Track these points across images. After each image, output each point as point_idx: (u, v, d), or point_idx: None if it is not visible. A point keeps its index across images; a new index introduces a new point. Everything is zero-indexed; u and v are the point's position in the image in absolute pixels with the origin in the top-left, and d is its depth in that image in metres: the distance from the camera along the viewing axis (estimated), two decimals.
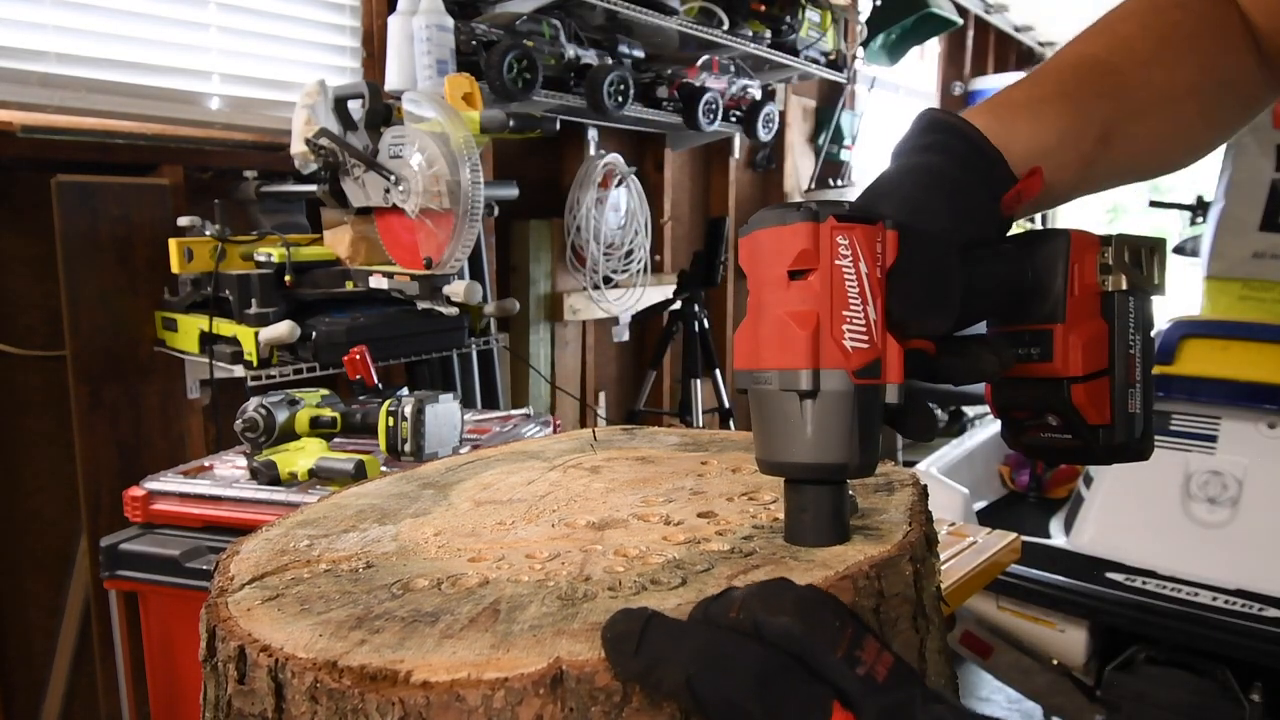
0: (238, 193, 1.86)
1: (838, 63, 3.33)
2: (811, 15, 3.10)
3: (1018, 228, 0.57)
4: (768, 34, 2.96)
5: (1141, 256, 0.55)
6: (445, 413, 1.34)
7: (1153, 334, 0.56)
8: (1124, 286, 0.54)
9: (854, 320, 0.45)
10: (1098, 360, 0.54)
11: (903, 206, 0.49)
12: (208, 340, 1.67)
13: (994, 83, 5.38)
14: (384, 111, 1.72)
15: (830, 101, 4.06)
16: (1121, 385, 0.54)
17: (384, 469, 1.31)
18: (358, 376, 1.45)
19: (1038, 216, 4.32)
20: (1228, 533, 2.23)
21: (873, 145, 4.44)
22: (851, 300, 0.45)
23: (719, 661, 0.35)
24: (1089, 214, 9.46)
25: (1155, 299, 0.56)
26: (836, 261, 0.45)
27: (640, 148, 3.17)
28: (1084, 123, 0.57)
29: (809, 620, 0.35)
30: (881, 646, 0.35)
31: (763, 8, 2.95)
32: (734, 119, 2.96)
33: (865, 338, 0.45)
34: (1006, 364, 0.54)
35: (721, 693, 0.35)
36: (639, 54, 2.52)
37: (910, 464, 3.29)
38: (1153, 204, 3.31)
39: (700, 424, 2.95)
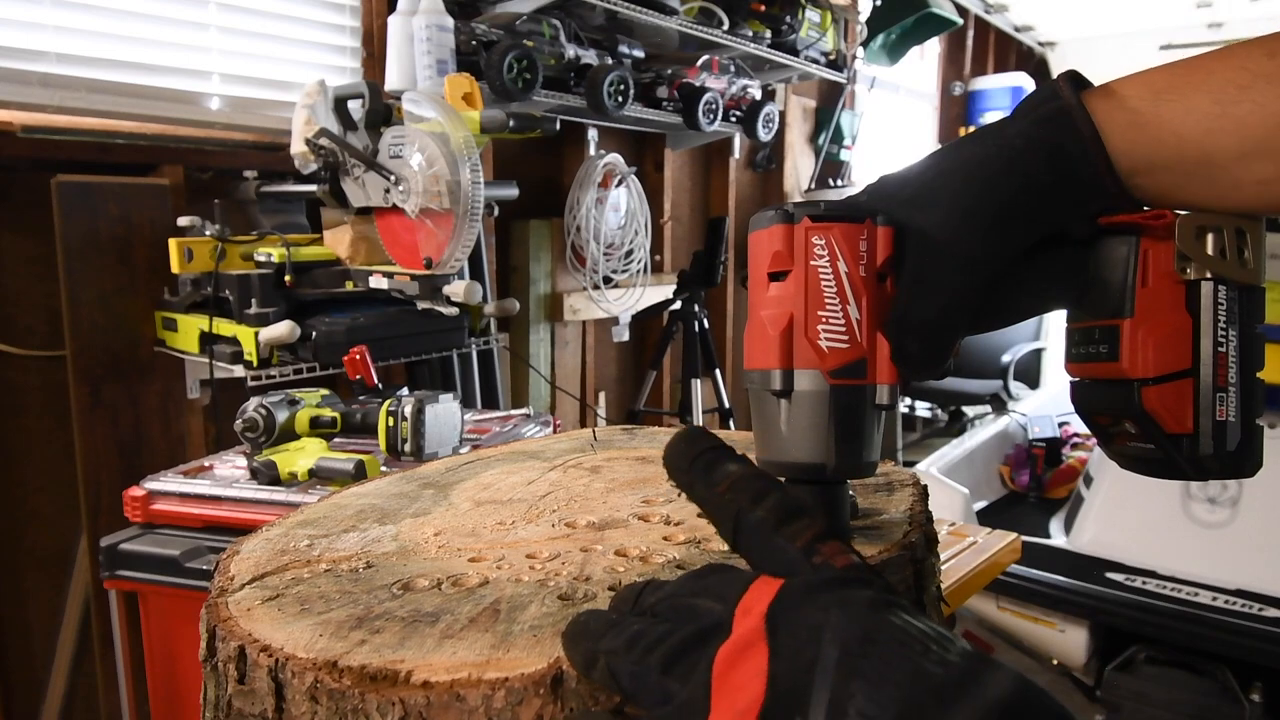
0: (238, 193, 1.86)
1: (838, 63, 3.33)
2: (811, 15, 3.10)
3: None
4: (768, 34, 2.96)
5: (1225, 238, 0.47)
6: (445, 413, 1.34)
7: (1259, 330, 0.48)
8: (1207, 274, 0.47)
9: (831, 320, 0.45)
10: (1176, 360, 0.47)
11: (947, 216, 0.45)
12: (208, 340, 1.67)
13: (994, 83, 5.37)
14: (384, 111, 1.72)
15: (830, 101, 4.05)
16: (1208, 389, 0.47)
17: (384, 469, 1.31)
18: (358, 376, 1.45)
19: None
20: (1228, 533, 2.23)
21: (873, 145, 4.44)
22: (828, 300, 0.45)
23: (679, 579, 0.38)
24: None
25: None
26: (812, 262, 0.45)
27: (640, 148, 3.16)
28: None
29: (782, 517, 0.36)
30: (848, 551, 0.35)
31: (763, 8, 2.94)
32: (734, 119, 2.96)
33: (844, 337, 0.45)
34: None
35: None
36: (639, 54, 2.52)
37: (910, 464, 3.29)
38: None
39: (700, 424, 2.95)
